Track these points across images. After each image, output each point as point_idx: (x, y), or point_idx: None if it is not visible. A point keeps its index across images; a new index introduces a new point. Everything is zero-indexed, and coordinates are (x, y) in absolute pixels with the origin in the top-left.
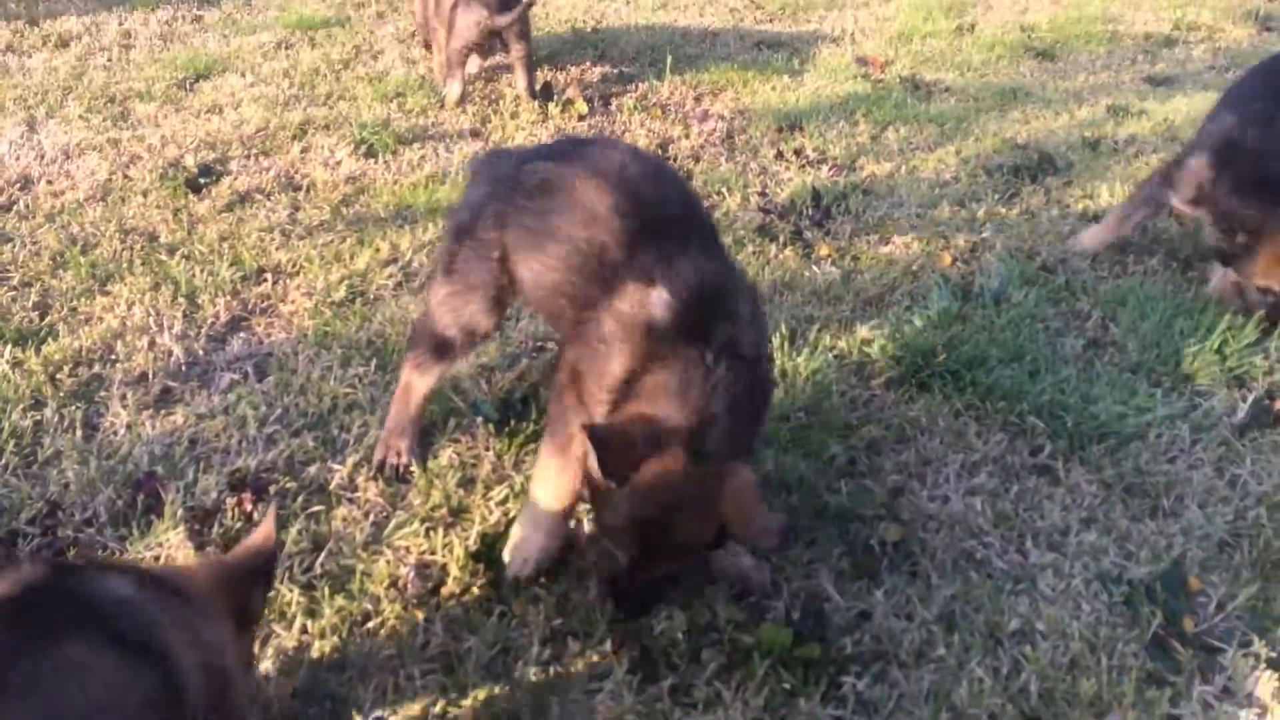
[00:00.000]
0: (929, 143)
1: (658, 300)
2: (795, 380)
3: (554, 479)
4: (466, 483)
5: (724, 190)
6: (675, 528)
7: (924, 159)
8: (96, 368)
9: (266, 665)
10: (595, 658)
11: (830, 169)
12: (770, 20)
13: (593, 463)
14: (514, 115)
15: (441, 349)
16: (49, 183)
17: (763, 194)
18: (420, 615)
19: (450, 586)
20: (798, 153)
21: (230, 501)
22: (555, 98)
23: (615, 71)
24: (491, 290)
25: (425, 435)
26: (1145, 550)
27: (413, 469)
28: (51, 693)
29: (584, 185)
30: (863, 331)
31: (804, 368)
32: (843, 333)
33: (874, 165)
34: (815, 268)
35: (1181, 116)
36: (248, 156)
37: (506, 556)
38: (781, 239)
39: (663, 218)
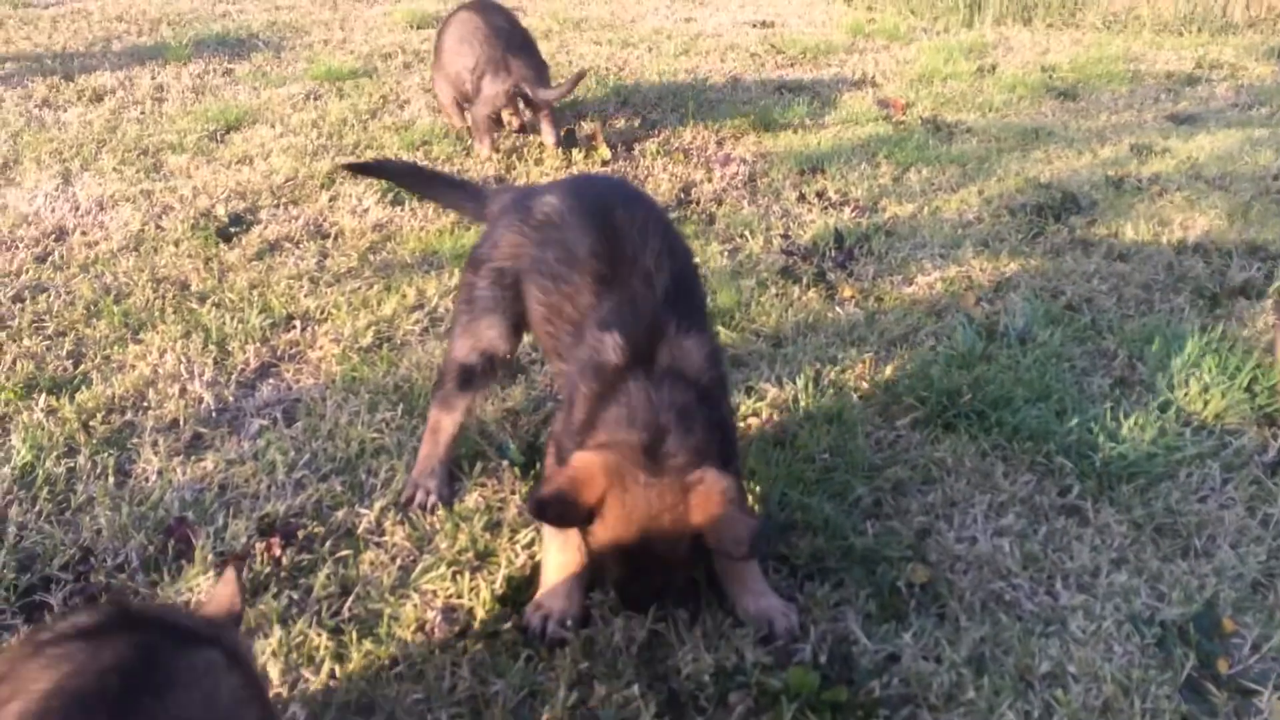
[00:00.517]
0: (951, 183)
1: (610, 344)
2: (819, 421)
3: (558, 554)
4: (493, 526)
5: (746, 233)
6: (651, 544)
7: (946, 199)
8: (129, 415)
9: (295, 709)
10: (622, 700)
11: (852, 210)
12: (791, 64)
13: (553, 537)
14: (538, 161)
15: (465, 378)
16: (83, 234)
17: (785, 236)
18: (447, 659)
19: (477, 630)
20: (820, 195)
21: (260, 546)
22: (579, 144)
23: (638, 117)
24: (508, 315)
25: (452, 479)
26: (1177, 591)
27: (439, 509)
28: (206, 687)
29: (571, 224)
30: (887, 372)
31: (828, 408)
32: (867, 373)
33: (896, 206)
34: (839, 309)
35: (1205, 154)
36: (277, 206)
37: (526, 615)
38: (805, 280)
39: (634, 260)
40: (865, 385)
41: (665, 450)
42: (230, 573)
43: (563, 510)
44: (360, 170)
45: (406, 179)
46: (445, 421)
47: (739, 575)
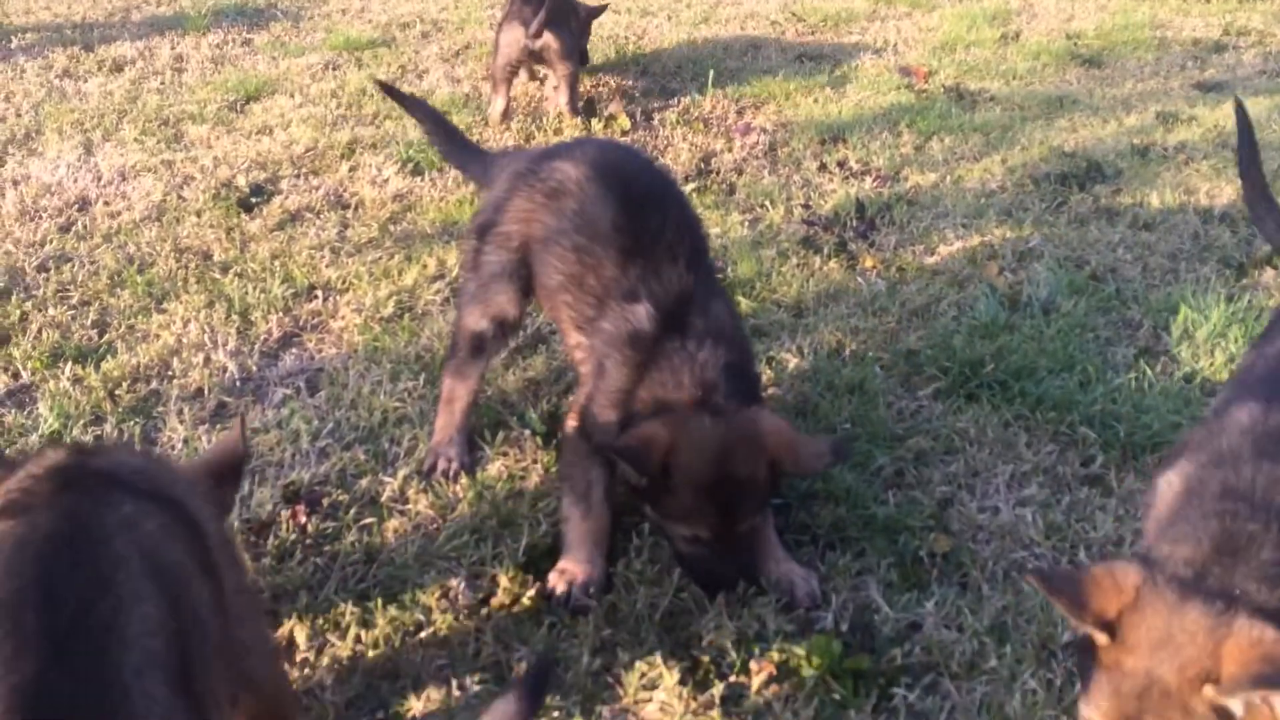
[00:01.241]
0: (974, 152)
1: (642, 313)
2: (841, 391)
3: (580, 521)
4: (515, 495)
5: (767, 203)
6: (736, 475)
7: (969, 169)
8: (154, 384)
9: (322, 674)
10: (645, 667)
11: (874, 180)
12: (812, 32)
13: (629, 473)
14: (557, 131)
15: (476, 346)
16: (106, 204)
17: (806, 206)
18: (471, 625)
19: (500, 597)
20: (841, 164)
21: (285, 514)
22: (598, 113)
23: (657, 86)
24: (516, 280)
25: (473, 448)
26: None
27: (461, 477)
28: (136, 534)
29: (591, 195)
30: (909, 342)
31: (850, 379)
32: (889, 344)
33: (918, 176)
34: (860, 279)
35: (1232, 122)
36: (297, 176)
37: (550, 582)
38: (826, 251)
39: (656, 230)
40: (887, 355)
41: (717, 401)
42: (239, 422)
43: (648, 445)
44: (389, 93)
45: (427, 121)
46: (460, 390)
47: (760, 543)
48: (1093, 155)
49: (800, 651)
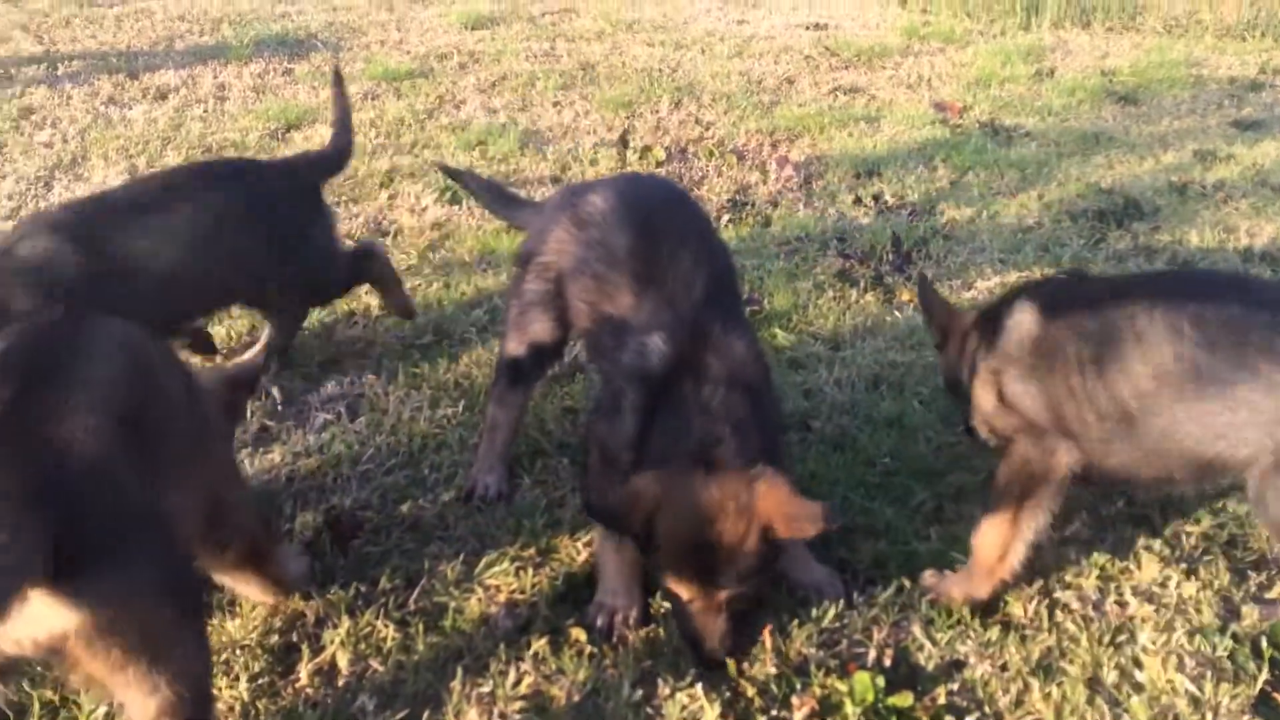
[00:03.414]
0: (1010, 188)
1: (655, 350)
2: (879, 425)
3: (614, 553)
4: (553, 524)
5: (803, 236)
6: (720, 541)
7: (1005, 204)
8: None
9: (364, 699)
10: (686, 699)
11: (909, 214)
12: (846, 67)
13: (608, 536)
14: (593, 162)
15: (515, 374)
16: None
17: (842, 239)
18: (512, 654)
19: (540, 626)
20: (876, 198)
21: (327, 537)
22: (633, 145)
23: (692, 118)
24: (553, 310)
25: (512, 476)
26: (1249, 604)
27: (499, 504)
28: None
29: (612, 224)
30: None
31: (889, 412)
32: (927, 378)
33: (954, 210)
34: (897, 313)
35: (1271, 161)
36: (337, 203)
37: (590, 613)
38: (862, 284)
39: (673, 261)
40: (925, 390)
41: (719, 456)
42: (264, 338)
43: (629, 507)
44: (451, 174)
45: (484, 193)
46: (502, 418)
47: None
48: (1130, 192)
49: (843, 688)
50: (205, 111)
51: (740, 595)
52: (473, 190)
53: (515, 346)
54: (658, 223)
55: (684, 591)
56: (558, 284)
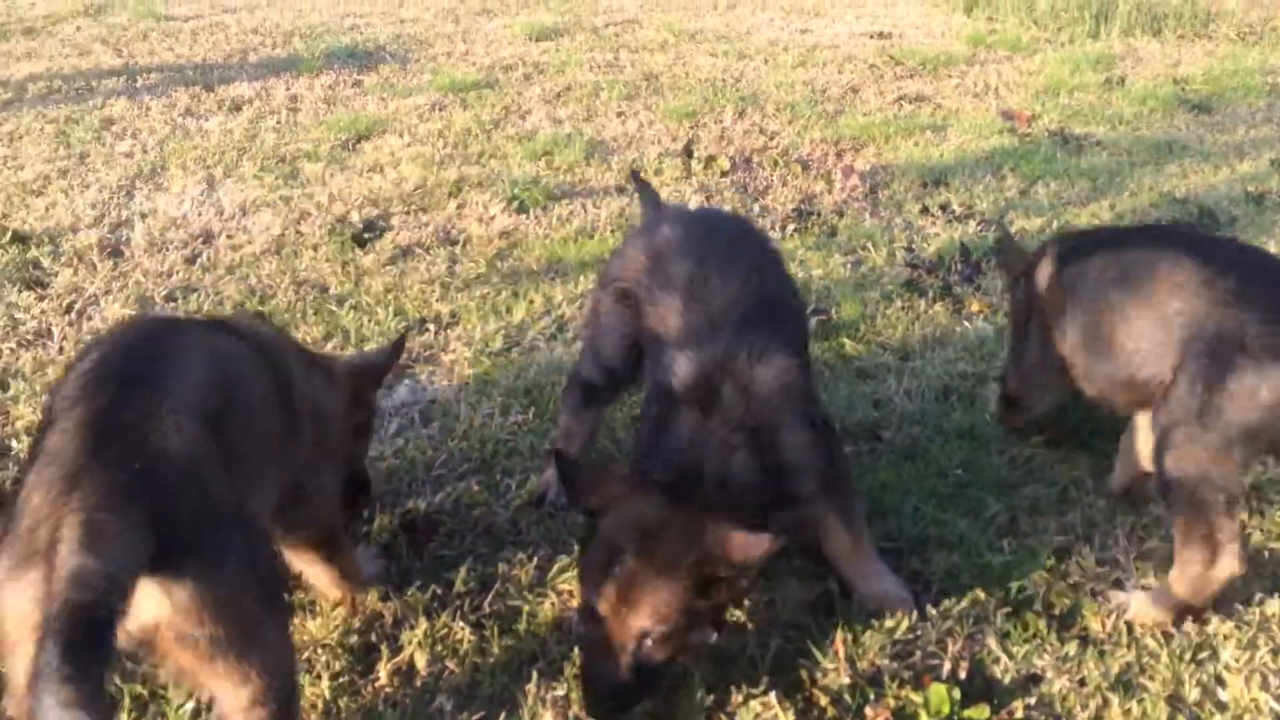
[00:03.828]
0: (1081, 197)
1: (678, 368)
2: (951, 436)
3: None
4: None
5: (869, 245)
6: (644, 564)
7: (1076, 213)
8: None
9: (441, 700)
10: (760, 707)
11: (978, 224)
12: (910, 76)
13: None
14: (658, 172)
15: (589, 394)
16: (228, 237)
17: (909, 249)
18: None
19: None
20: (943, 208)
21: (403, 540)
22: (697, 155)
23: (756, 128)
24: (628, 335)
25: None
26: None
27: (571, 511)
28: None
29: (674, 252)
30: None
31: (960, 423)
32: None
33: (1024, 220)
34: (966, 323)
35: None
36: (407, 213)
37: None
38: (930, 294)
39: (723, 290)
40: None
41: (700, 495)
42: (404, 337)
43: (592, 479)
44: (639, 183)
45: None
46: (575, 428)
47: (854, 559)
48: (1205, 202)
49: (918, 699)
50: (278, 123)
51: (654, 643)
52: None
53: (589, 369)
54: (715, 253)
55: (585, 609)
56: (633, 309)
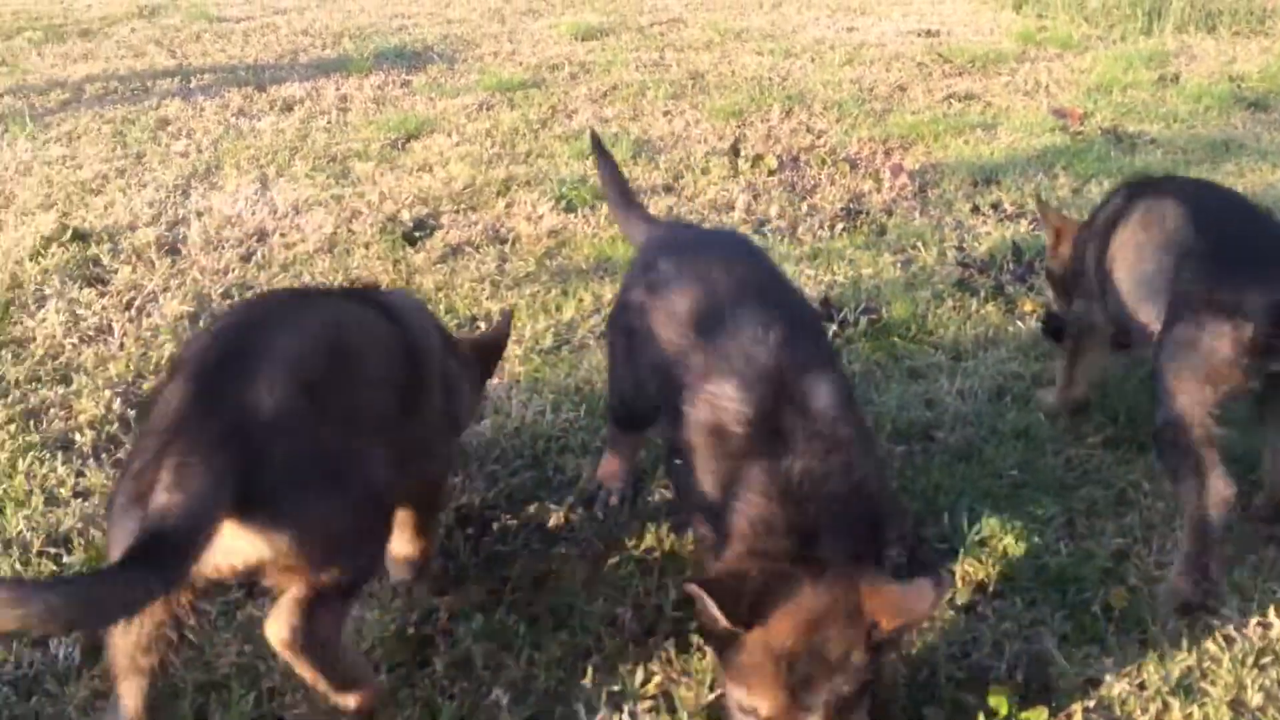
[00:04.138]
0: None
1: (729, 406)
2: (1005, 437)
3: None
4: (677, 528)
5: (919, 244)
6: (825, 653)
7: None
8: None
9: (497, 693)
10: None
11: (1030, 223)
12: (959, 74)
13: (713, 611)
14: (705, 171)
15: (624, 424)
16: (282, 235)
17: (960, 248)
18: (640, 654)
19: (665, 627)
20: (994, 206)
21: (459, 535)
22: (744, 154)
23: (803, 127)
24: (643, 374)
25: (635, 481)
26: None
27: (622, 507)
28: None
29: (674, 288)
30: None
31: (1015, 424)
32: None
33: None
34: (1019, 323)
35: None
36: (457, 211)
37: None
38: (982, 294)
39: (744, 315)
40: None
41: (819, 553)
42: (509, 313)
43: (739, 590)
44: (596, 145)
45: (610, 169)
46: (622, 439)
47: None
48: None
49: (974, 701)
50: (329, 122)
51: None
52: (605, 174)
53: (618, 405)
54: (718, 278)
55: (764, 705)
56: (643, 351)
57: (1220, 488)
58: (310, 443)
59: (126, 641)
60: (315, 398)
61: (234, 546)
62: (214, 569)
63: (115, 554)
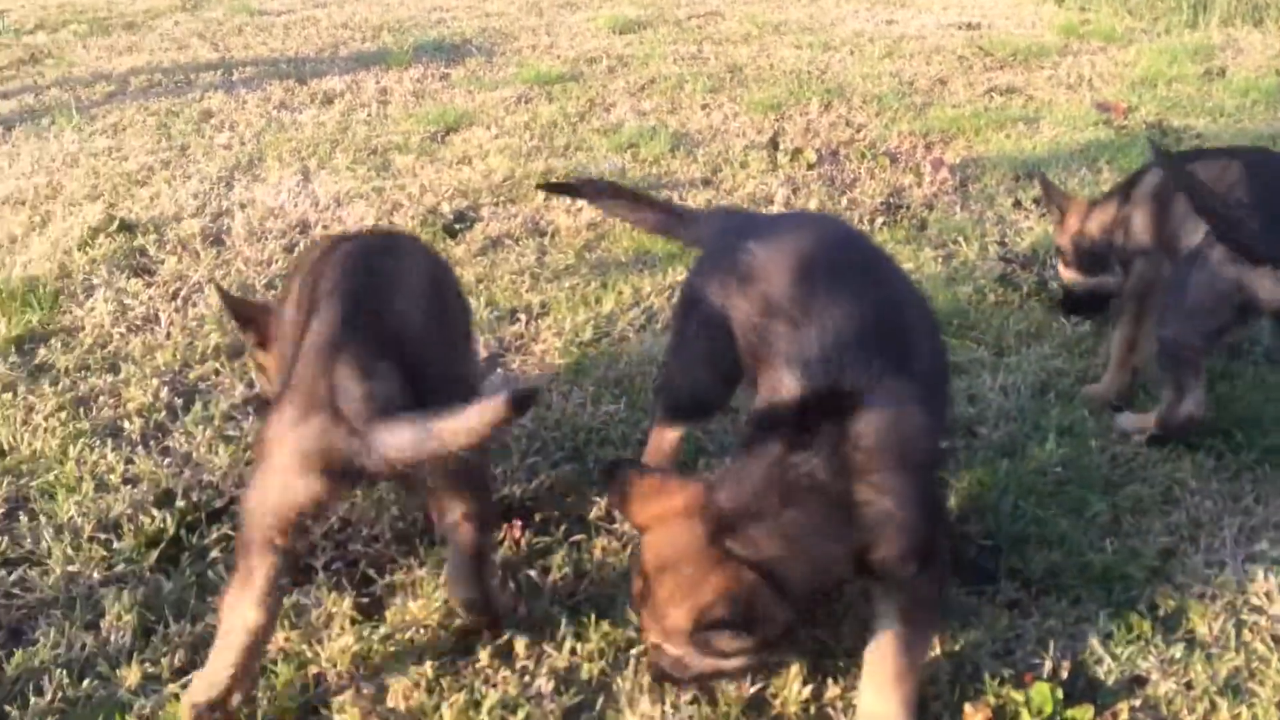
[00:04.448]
0: None
1: (783, 391)
2: (1049, 433)
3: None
4: None
5: (961, 239)
6: (654, 590)
7: None
8: None
9: (541, 682)
10: (856, 700)
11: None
12: (1000, 67)
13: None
14: (743, 165)
15: (677, 415)
16: (324, 227)
17: (1002, 243)
18: None
19: None
20: (1037, 201)
21: (503, 527)
22: (783, 147)
23: (842, 120)
24: (720, 365)
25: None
26: None
27: None
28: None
29: (768, 269)
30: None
31: (1059, 420)
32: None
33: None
34: (1063, 319)
35: None
36: (496, 204)
37: None
38: (1025, 289)
39: (833, 304)
40: None
41: (740, 533)
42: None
43: (641, 489)
44: (557, 190)
45: (604, 199)
46: (667, 433)
47: (888, 673)
48: None
49: (1018, 698)
50: (369, 115)
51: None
52: (631, 207)
53: (680, 390)
54: (819, 265)
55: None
56: (726, 337)
57: (1191, 406)
58: (443, 357)
59: (269, 520)
60: (432, 319)
61: (394, 443)
62: (379, 463)
63: (282, 460)
